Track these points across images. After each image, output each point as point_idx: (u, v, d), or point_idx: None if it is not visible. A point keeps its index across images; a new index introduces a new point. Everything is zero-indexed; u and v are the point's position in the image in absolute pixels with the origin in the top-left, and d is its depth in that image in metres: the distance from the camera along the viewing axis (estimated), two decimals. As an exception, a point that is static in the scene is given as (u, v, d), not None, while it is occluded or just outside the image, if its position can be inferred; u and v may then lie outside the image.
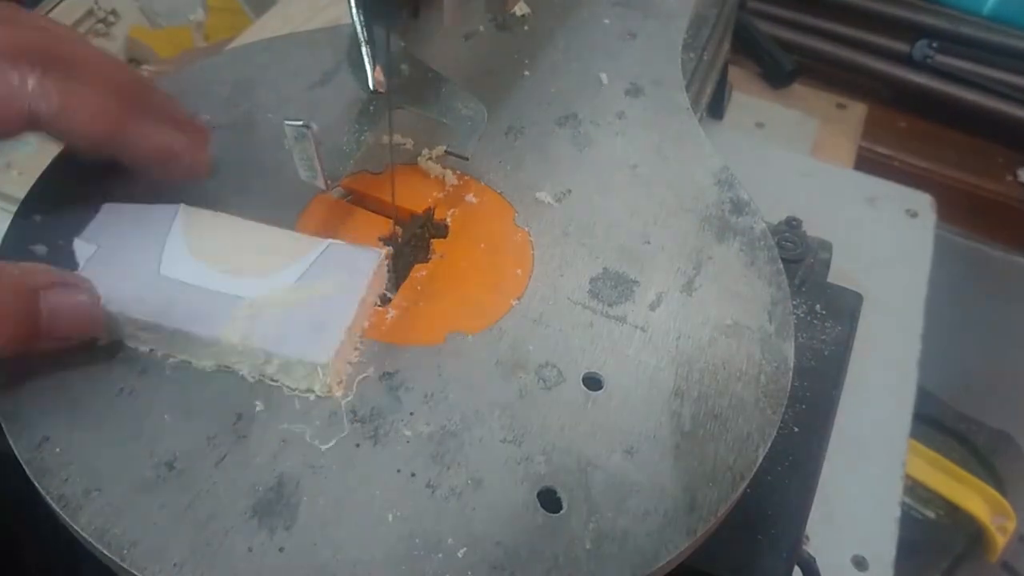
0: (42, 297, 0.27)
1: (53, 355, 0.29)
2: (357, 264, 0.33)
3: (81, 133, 0.29)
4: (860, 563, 0.51)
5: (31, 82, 0.28)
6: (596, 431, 0.30)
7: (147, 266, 0.32)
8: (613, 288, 0.34)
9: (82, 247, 0.32)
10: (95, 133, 0.30)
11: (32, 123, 0.29)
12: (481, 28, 0.47)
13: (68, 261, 0.32)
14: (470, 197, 0.38)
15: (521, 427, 0.30)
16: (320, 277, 0.32)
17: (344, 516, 0.27)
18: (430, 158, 0.38)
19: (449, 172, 0.38)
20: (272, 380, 0.30)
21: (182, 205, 0.34)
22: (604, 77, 0.44)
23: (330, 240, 0.33)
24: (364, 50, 0.35)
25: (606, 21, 0.48)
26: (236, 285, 0.31)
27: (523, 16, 0.47)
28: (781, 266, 0.36)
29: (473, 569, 0.26)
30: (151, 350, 0.31)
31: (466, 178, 0.38)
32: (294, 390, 0.30)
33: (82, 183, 0.35)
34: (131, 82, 0.32)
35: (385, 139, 0.37)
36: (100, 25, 0.81)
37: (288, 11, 0.75)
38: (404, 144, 0.39)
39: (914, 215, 0.71)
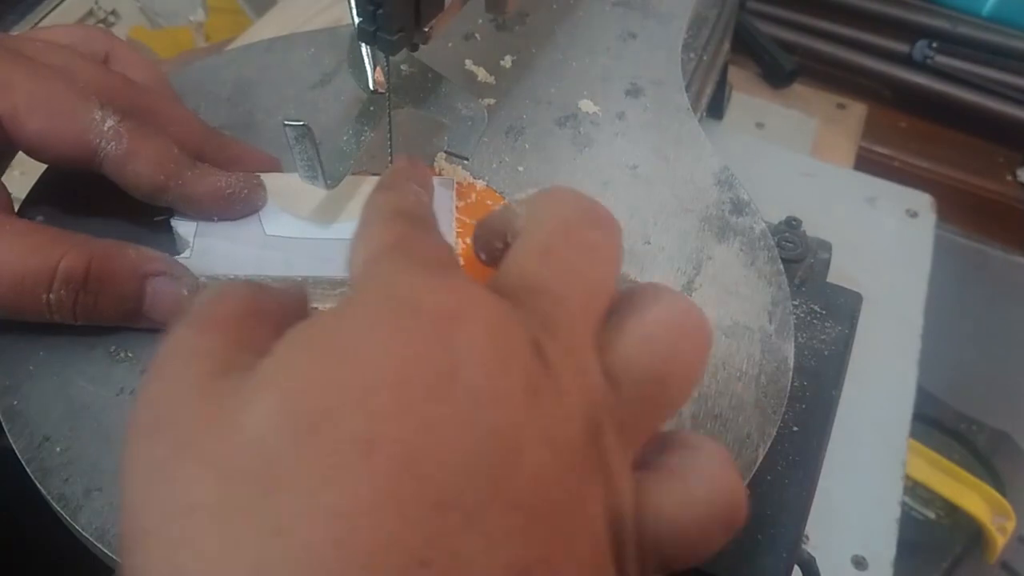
0: (148, 282, 0.30)
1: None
2: (438, 191, 0.35)
3: (142, 178, 0.31)
4: (860, 563, 0.51)
5: (109, 122, 0.30)
6: (596, 431, 0.30)
7: (252, 230, 0.34)
8: (613, 288, 0.34)
9: (182, 225, 0.33)
10: (153, 181, 0.32)
11: (96, 161, 0.31)
12: (480, 28, 0.47)
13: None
14: (471, 198, 0.38)
15: (521, 427, 0.30)
16: None
17: (344, 516, 0.27)
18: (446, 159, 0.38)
19: (463, 171, 0.38)
20: None
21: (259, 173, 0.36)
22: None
23: None
24: (364, 50, 0.35)
25: (606, 20, 0.48)
26: (338, 230, 0.34)
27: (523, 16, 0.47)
28: (781, 266, 0.36)
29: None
30: None
31: (471, 179, 0.38)
32: None
33: (83, 183, 0.35)
34: (196, 132, 0.35)
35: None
36: (100, 25, 0.81)
37: (288, 11, 0.75)
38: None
39: (914, 215, 0.71)
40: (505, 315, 0.20)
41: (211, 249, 0.32)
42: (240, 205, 0.34)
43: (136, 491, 0.18)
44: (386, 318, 0.19)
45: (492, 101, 0.42)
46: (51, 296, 0.28)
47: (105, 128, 0.30)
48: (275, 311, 0.23)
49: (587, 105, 0.42)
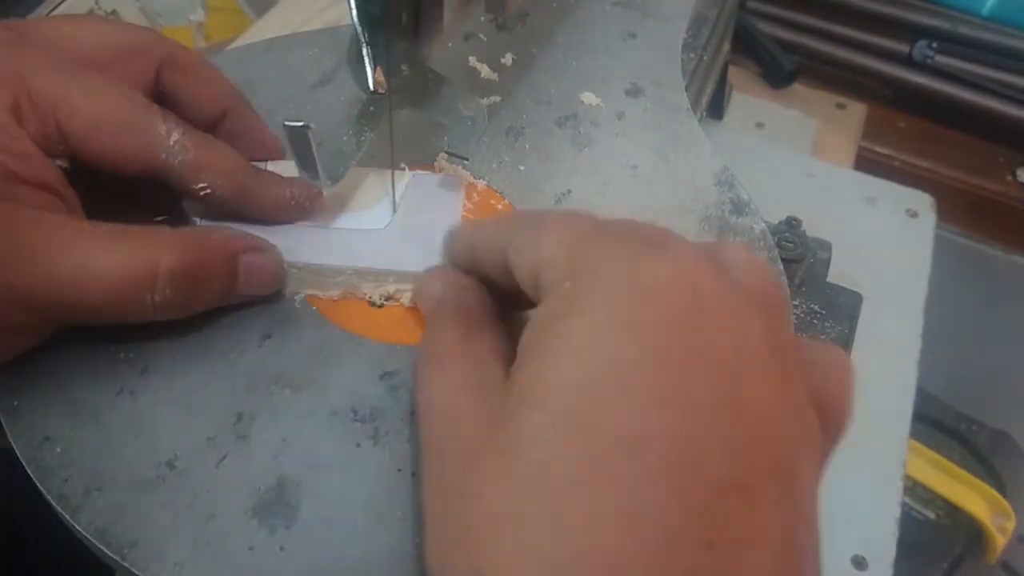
0: (239, 260, 0.31)
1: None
2: (445, 188, 0.36)
3: (211, 191, 0.32)
4: (860, 563, 0.51)
5: (174, 136, 0.30)
6: (596, 431, 0.30)
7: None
8: (613, 288, 0.34)
9: (192, 207, 0.34)
10: (223, 193, 0.32)
11: (163, 173, 0.31)
12: (481, 28, 0.47)
13: None
14: (471, 198, 0.38)
15: (521, 427, 0.30)
16: (417, 202, 0.35)
17: (345, 515, 0.27)
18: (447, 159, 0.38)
19: (465, 172, 0.38)
20: (394, 300, 0.33)
21: (269, 162, 0.36)
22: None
23: (414, 171, 0.37)
24: (364, 51, 0.35)
25: (606, 20, 0.48)
26: (344, 220, 0.34)
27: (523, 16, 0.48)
28: (781, 267, 0.36)
29: (473, 569, 0.26)
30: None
31: (471, 179, 0.38)
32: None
33: (83, 182, 0.35)
34: (267, 139, 0.36)
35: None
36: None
37: (288, 12, 0.75)
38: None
39: (914, 215, 0.71)
40: (734, 286, 0.20)
41: None
42: (300, 214, 0.34)
43: (434, 508, 0.22)
44: (622, 307, 0.19)
45: (497, 99, 0.42)
46: (155, 297, 0.28)
47: (171, 143, 0.30)
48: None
49: (589, 97, 0.42)
